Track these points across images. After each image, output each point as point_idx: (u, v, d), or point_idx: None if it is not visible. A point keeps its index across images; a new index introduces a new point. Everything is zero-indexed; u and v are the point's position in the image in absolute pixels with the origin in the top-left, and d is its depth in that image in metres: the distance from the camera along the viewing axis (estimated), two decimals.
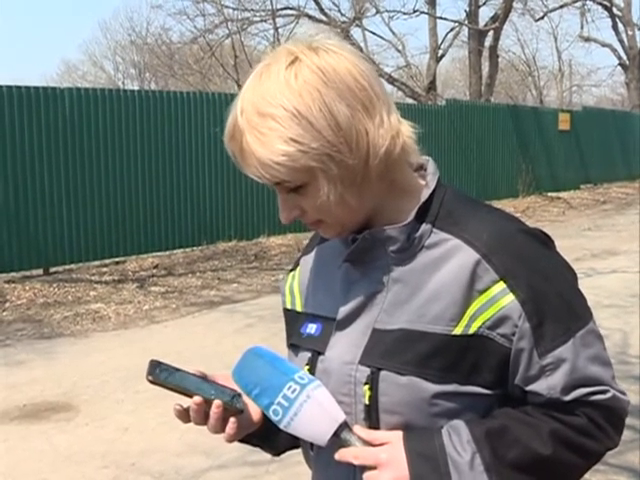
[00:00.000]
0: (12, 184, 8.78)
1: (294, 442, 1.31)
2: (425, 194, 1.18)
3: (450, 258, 1.13)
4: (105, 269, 9.55)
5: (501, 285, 1.10)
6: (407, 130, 1.16)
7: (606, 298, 7.55)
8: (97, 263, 9.71)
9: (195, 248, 10.78)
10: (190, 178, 10.70)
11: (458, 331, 1.11)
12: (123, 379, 5.24)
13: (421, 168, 1.23)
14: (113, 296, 8.31)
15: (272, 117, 1.05)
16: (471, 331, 1.10)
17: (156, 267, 9.77)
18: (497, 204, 16.45)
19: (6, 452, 4.29)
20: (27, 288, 8.47)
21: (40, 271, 9.17)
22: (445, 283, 1.12)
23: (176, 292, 8.57)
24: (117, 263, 9.83)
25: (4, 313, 7.63)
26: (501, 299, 1.10)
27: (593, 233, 12.95)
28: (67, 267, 9.47)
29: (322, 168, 1.07)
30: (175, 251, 10.59)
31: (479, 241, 1.12)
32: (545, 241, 1.17)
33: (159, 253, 10.39)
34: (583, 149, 20.12)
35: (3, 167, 8.70)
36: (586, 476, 3.73)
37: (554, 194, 18.32)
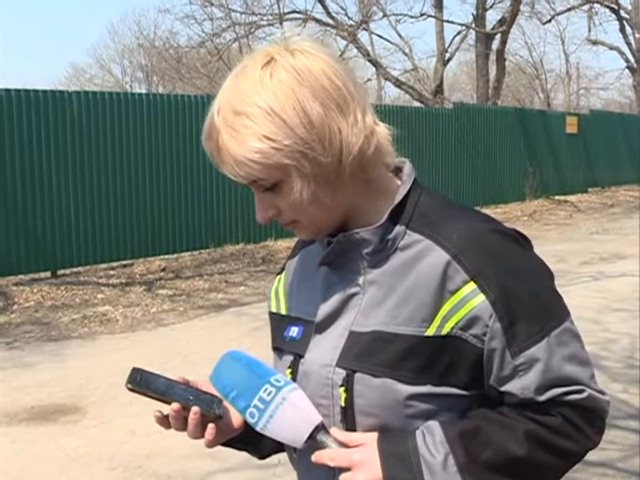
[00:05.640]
0: (20, 187, 8.81)
1: (279, 446, 1.31)
2: (400, 195, 1.18)
3: (422, 259, 1.14)
4: (113, 272, 9.58)
5: (472, 285, 1.10)
6: (383, 131, 1.16)
7: (614, 302, 7.53)
8: (105, 266, 9.74)
9: (203, 251, 10.80)
10: (198, 181, 10.72)
11: (431, 332, 1.11)
12: None
13: (398, 170, 1.24)
14: (121, 299, 8.33)
15: (247, 115, 1.08)
16: (444, 332, 1.11)
17: (164, 270, 9.79)
18: (504, 207, 16.43)
19: (14, 454, 4.30)
20: (35, 291, 8.50)
21: (48, 274, 9.20)
22: (417, 284, 1.13)
23: (184, 295, 8.59)
24: (125, 266, 9.86)
25: (12, 315, 7.66)
26: (472, 299, 1.10)
27: (601, 236, 12.90)
28: (75, 270, 9.50)
29: (295, 165, 1.09)
30: (183, 254, 10.61)
31: (450, 241, 1.13)
32: (519, 241, 1.17)
33: (167, 256, 10.41)
34: (590, 152, 20.08)
35: (11, 170, 8.73)
36: None
37: (561, 197, 18.28)
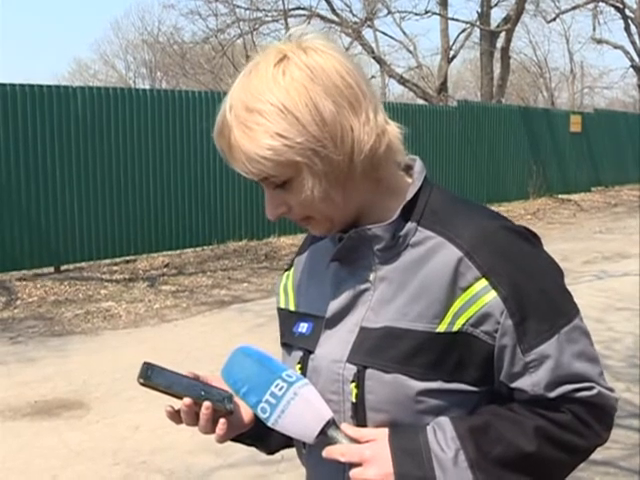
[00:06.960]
0: (24, 182, 8.82)
1: (288, 441, 1.32)
2: (411, 192, 1.19)
3: (433, 256, 1.14)
4: (116, 267, 9.59)
5: (483, 282, 1.11)
6: (393, 130, 1.17)
7: (618, 301, 7.54)
8: (108, 261, 9.75)
9: (206, 247, 10.81)
10: (201, 177, 10.73)
11: (442, 328, 1.12)
12: (134, 377, 5.19)
13: (409, 167, 1.24)
14: (124, 294, 8.34)
15: (259, 112, 1.08)
16: (455, 328, 1.11)
17: (167, 266, 9.80)
18: (507, 206, 16.41)
19: (18, 448, 4.32)
20: (38, 286, 8.52)
21: (51, 269, 9.22)
22: (428, 281, 1.14)
23: (187, 291, 8.60)
24: (128, 262, 9.87)
25: (15, 310, 7.68)
26: (483, 296, 1.11)
27: (604, 236, 12.89)
28: (78, 265, 9.51)
29: (307, 163, 1.09)
30: (186, 250, 10.62)
31: (461, 238, 1.13)
32: (529, 238, 1.17)
33: (170, 252, 10.42)
34: (594, 151, 20.05)
35: (15, 165, 8.74)
36: (597, 479, 3.72)
37: (565, 196, 18.26)
